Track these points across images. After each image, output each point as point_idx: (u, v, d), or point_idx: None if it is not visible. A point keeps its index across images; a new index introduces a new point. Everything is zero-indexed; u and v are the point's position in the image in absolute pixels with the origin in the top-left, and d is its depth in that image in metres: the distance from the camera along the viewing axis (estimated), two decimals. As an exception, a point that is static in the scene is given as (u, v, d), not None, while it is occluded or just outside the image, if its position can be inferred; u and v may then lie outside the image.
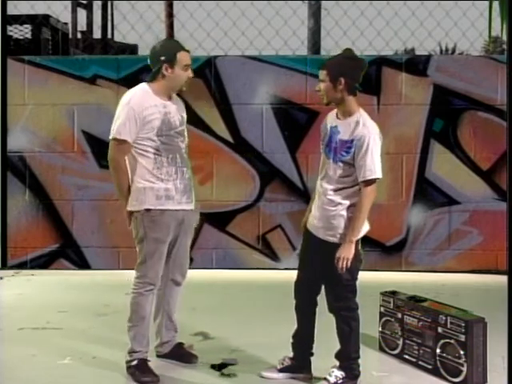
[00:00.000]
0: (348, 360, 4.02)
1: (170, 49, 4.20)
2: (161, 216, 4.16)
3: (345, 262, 3.85)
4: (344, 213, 3.92)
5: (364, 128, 3.88)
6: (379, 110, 7.16)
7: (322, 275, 4.00)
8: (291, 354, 4.20)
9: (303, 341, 4.16)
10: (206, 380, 4.20)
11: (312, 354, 4.17)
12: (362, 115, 3.94)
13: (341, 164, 3.92)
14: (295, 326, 4.17)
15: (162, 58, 4.17)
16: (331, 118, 4.07)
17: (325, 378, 4.03)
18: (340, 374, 4.00)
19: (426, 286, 6.43)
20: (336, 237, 3.93)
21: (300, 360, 4.18)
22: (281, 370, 4.19)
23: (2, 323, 5.29)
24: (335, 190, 3.94)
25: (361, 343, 4.09)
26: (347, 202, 3.92)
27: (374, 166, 3.85)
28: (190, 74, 4.23)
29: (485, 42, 15.57)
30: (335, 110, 4.05)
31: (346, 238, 3.88)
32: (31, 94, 7.27)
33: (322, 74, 3.95)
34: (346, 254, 3.86)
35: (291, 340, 4.19)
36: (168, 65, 4.17)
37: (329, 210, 3.96)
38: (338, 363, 4.05)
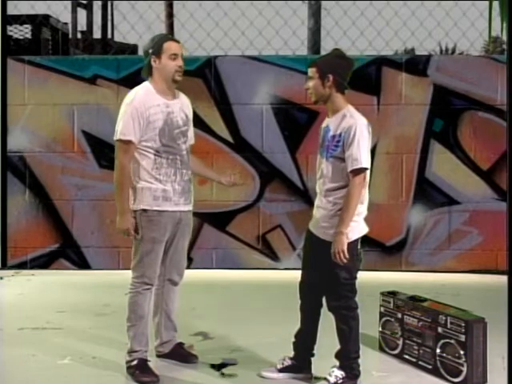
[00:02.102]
0: (348, 360, 4.01)
1: (156, 40, 4.21)
2: (158, 216, 4.15)
3: (342, 255, 3.81)
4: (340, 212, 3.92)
5: (351, 119, 3.91)
6: (379, 110, 7.16)
7: (321, 274, 4.00)
8: (291, 354, 4.19)
9: (305, 341, 4.16)
10: (206, 380, 4.20)
11: (313, 355, 4.17)
12: (349, 110, 3.97)
13: (332, 159, 3.93)
14: (298, 326, 4.16)
15: (150, 51, 4.19)
16: (325, 120, 4.10)
17: (325, 378, 4.03)
18: (340, 373, 4.00)
19: (426, 285, 6.43)
20: (333, 236, 3.93)
21: (300, 360, 4.17)
22: (281, 370, 4.18)
23: (2, 323, 5.29)
24: (331, 190, 3.95)
25: (361, 343, 4.09)
26: (343, 202, 3.91)
27: (359, 155, 3.84)
28: (178, 62, 4.18)
29: (485, 42, 15.57)
30: None
31: (336, 229, 3.85)
32: (31, 93, 7.27)
33: (312, 71, 3.99)
34: (339, 246, 3.82)
35: (293, 339, 4.19)
36: (155, 56, 4.17)
37: (327, 209, 3.97)
38: (338, 363, 4.05)
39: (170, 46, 4.17)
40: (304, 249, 4.24)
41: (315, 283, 4.06)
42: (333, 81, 3.93)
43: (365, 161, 3.86)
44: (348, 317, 3.98)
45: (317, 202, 4.08)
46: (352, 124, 3.87)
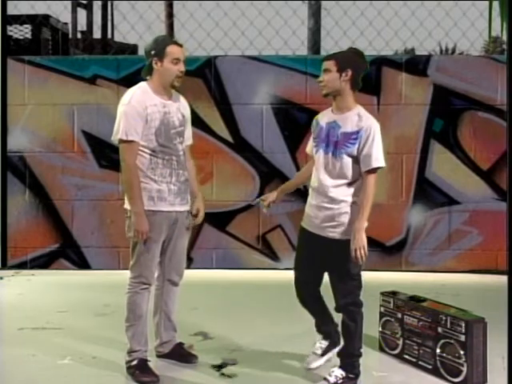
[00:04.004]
0: (351, 357, 4.03)
1: (159, 43, 4.18)
2: (153, 216, 4.14)
3: (362, 251, 3.85)
4: (348, 209, 3.95)
5: (368, 119, 3.96)
6: (379, 110, 7.15)
7: (331, 273, 4.04)
8: (320, 337, 4.29)
9: (325, 323, 4.27)
10: (206, 380, 4.20)
11: (337, 325, 4.24)
12: (362, 109, 4.02)
13: (344, 156, 3.95)
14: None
15: (152, 52, 4.17)
16: (326, 116, 4.09)
17: (325, 378, 4.04)
18: (340, 373, 4.00)
19: (426, 286, 6.43)
20: (343, 233, 3.95)
21: (332, 336, 4.27)
22: (323, 354, 4.27)
23: (2, 323, 5.29)
24: (336, 186, 3.96)
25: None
26: (349, 199, 3.95)
27: (379, 155, 3.93)
28: (180, 68, 4.17)
29: (485, 42, 15.57)
30: (327, 109, 4.10)
31: (355, 226, 3.88)
32: (31, 93, 7.27)
33: (329, 64, 3.97)
34: (360, 242, 3.86)
35: (316, 329, 4.28)
36: (157, 58, 4.15)
37: (332, 208, 3.97)
38: (338, 363, 4.06)
39: (173, 51, 4.16)
40: (298, 248, 4.24)
41: (312, 280, 4.14)
42: (350, 76, 3.94)
43: (383, 160, 3.95)
44: (355, 313, 4.02)
45: (316, 201, 4.05)
46: (370, 124, 3.94)
